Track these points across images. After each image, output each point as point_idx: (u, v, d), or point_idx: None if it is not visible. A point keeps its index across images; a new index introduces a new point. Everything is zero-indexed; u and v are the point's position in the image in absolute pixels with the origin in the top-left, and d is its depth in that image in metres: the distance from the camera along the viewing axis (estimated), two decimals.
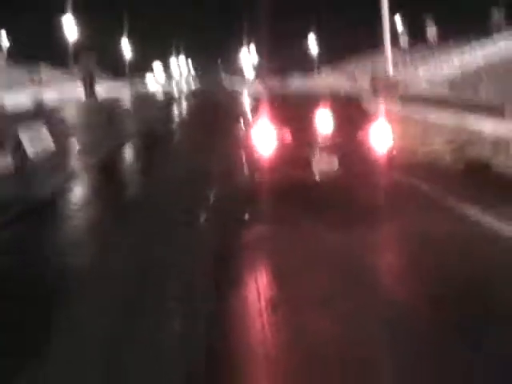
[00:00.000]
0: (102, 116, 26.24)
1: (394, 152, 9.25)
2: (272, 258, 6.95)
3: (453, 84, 43.52)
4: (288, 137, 9.00)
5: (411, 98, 20.01)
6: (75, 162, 14.87)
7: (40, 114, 22.09)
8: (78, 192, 11.51)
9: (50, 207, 9.89)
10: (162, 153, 16.75)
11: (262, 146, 8.97)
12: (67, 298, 5.71)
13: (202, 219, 8.87)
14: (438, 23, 62.82)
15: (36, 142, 15.69)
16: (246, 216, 8.72)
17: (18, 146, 14.42)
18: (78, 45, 72.41)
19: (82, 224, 8.92)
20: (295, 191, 8.76)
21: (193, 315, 5.21)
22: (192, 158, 14.77)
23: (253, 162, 9.43)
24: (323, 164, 8.86)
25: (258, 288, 5.97)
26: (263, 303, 5.44)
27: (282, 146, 8.92)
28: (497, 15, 56.81)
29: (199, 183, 11.47)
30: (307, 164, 8.84)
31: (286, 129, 9.01)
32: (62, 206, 10.20)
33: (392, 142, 9.16)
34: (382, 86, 25.73)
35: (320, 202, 8.66)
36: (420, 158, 12.55)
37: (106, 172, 13.78)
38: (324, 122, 9.02)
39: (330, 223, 7.86)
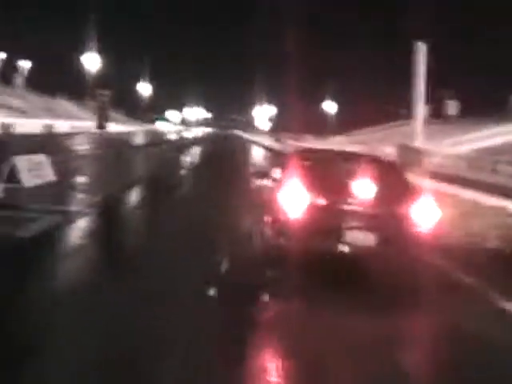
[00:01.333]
0: (111, 150, 26.12)
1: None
2: None
3: (471, 160, 42.87)
4: (322, 201, 7.69)
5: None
6: (72, 198, 13.49)
7: (48, 140, 21.82)
8: (62, 239, 9.73)
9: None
10: (168, 199, 15.70)
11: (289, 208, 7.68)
12: None
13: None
14: (458, 98, 62.94)
15: (35, 171, 15.09)
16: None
17: (13, 173, 13.72)
18: (96, 81, 73.56)
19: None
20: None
21: None
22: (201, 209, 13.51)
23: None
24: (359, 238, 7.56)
25: None
26: None
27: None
28: None
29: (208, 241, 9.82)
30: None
31: (319, 191, 7.73)
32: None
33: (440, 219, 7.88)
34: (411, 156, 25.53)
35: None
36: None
37: (104, 217, 12.30)
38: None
39: None
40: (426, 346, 6.23)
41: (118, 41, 73.10)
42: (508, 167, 37.47)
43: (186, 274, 7.70)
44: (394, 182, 8.51)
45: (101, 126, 62.05)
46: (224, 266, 8.35)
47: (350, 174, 8.00)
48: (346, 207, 7.74)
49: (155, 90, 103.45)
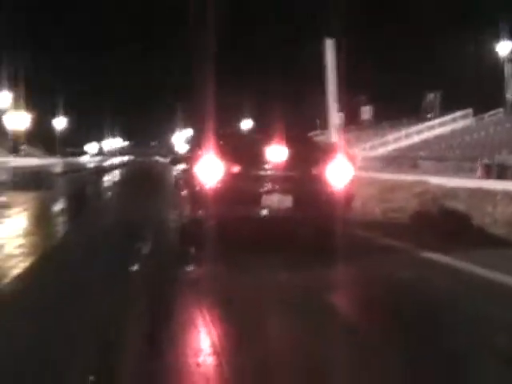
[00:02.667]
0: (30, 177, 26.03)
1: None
2: None
3: (387, 160, 43.96)
4: (236, 169, 7.80)
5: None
6: None
7: None
8: None
9: None
10: (89, 206, 15.99)
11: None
12: None
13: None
14: (372, 102, 64.26)
15: None
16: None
17: None
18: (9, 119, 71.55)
19: None
20: None
21: None
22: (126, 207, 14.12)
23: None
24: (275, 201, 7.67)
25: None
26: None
27: None
28: (431, 98, 58.87)
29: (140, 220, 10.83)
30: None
31: (233, 160, 7.83)
32: None
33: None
34: None
35: None
36: None
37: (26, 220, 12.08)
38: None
39: None
40: (356, 291, 6.29)
41: (31, 76, 71.26)
42: (426, 162, 38.71)
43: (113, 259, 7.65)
44: (307, 146, 8.75)
45: (17, 161, 60.51)
46: (146, 249, 8.33)
47: (263, 143, 8.08)
48: (260, 173, 7.84)
49: (73, 123, 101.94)
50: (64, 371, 3.73)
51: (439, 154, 40.85)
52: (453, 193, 12.21)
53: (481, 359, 4.07)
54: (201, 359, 3.88)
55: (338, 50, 20.40)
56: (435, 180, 15.34)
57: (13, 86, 69.29)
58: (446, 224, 9.42)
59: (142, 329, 4.59)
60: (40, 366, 3.78)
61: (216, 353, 4.00)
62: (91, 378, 3.58)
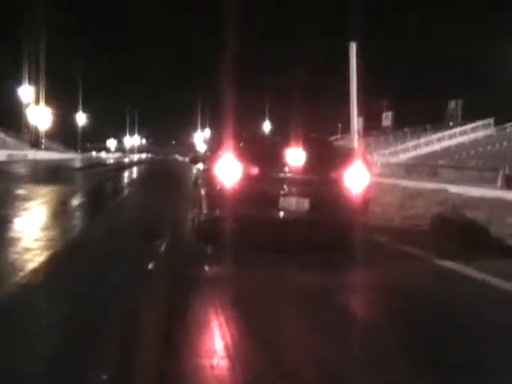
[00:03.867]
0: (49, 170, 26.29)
1: None
2: None
3: (407, 167, 43.83)
4: (255, 171, 7.82)
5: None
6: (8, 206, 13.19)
7: None
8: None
9: None
10: (110, 202, 16.07)
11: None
12: None
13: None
14: (395, 108, 64.04)
15: None
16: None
17: None
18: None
19: None
20: None
21: None
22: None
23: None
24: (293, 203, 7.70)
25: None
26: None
27: None
28: (453, 106, 58.69)
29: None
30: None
31: (252, 161, 7.86)
32: None
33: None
34: None
35: None
36: None
37: (42, 214, 12.14)
38: None
39: None
40: (369, 294, 6.24)
41: (54, 71, 71.84)
42: (446, 170, 38.51)
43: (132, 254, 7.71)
44: (326, 150, 8.77)
45: (37, 155, 61.05)
46: (163, 247, 8.35)
47: (282, 146, 8.09)
48: (278, 175, 7.85)
49: (94, 120, 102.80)
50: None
51: (459, 163, 40.69)
52: (472, 202, 12.15)
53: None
54: (215, 361, 3.87)
55: (362, 53, 20.31)
56: (455, 189, 15.30)
57: (35, 80, 69.98)
58: (465, 233, 9.34)
59: (157, 326, 4.58)
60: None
61: (229, 356, 3.99)
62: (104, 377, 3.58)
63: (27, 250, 7.38)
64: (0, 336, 4.21)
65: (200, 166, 10.01)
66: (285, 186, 7.77)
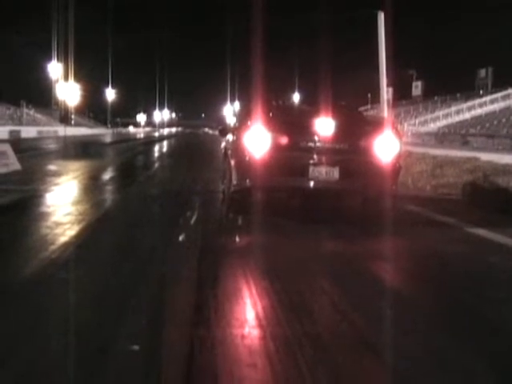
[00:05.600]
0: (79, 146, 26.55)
1: None
2: None
3: (437, 136, 43.41)
4: (285, 140, 7.75)
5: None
6: (40, 181, 13.30)
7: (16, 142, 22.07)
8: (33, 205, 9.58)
9: None
10: (139, 175, 16.17)
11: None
12: None
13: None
14: (424, 78, 63.29)
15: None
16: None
17: None
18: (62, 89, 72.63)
19: None
20: None
21: None
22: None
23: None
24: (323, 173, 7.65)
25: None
26: None
27: None
28: (483, 74, 57.83)
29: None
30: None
31: (281, 131, 7.81)
32: None
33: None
34: None
35: None
36: None
37: (71, 190, 12.19)
38: None
39: None
40: (403, 262, 6.17)
41: (84, 47, 72.04)
42: (477, 138, 38.05)
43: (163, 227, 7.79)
44: (355, 120, 8.70)
45: (67, 130, 61.45)
46: (194, 218, 8.39)
47: (312, 115, 8.02)
48: (308, 144, 7.77)
49: (124, 95, 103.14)
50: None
51: (490, 132, 40.15)
52: (504, 170, 11.97)
53: None
54: (246, 331, 3.87)
55: (391, 23, 20.01)
56: (486, 157, 15.09)
57: (64, 56, 70.22)
58: (497, 201, 9.23)
59: (188, 296, 4.60)
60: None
61: (260, 325, 3.99)
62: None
63: (58, 224, 7.48)
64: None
65: (229, 137, 9.98)
66: (314, 156, 7.71)
